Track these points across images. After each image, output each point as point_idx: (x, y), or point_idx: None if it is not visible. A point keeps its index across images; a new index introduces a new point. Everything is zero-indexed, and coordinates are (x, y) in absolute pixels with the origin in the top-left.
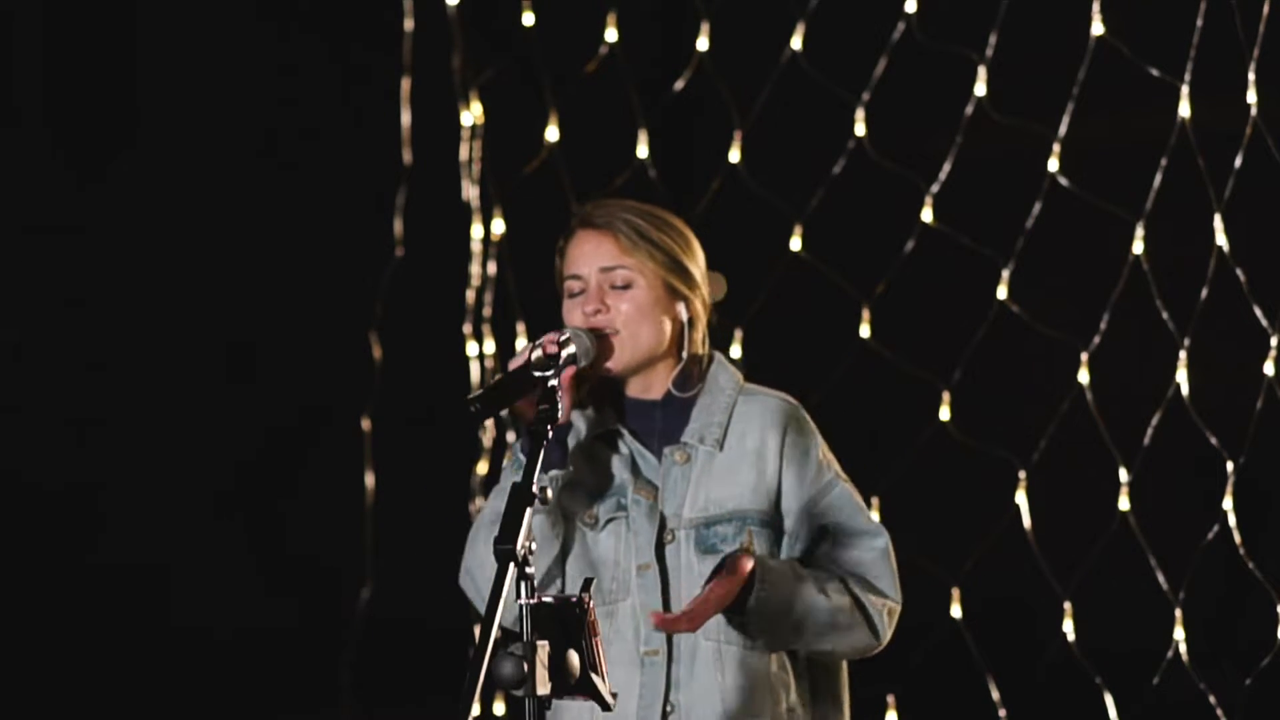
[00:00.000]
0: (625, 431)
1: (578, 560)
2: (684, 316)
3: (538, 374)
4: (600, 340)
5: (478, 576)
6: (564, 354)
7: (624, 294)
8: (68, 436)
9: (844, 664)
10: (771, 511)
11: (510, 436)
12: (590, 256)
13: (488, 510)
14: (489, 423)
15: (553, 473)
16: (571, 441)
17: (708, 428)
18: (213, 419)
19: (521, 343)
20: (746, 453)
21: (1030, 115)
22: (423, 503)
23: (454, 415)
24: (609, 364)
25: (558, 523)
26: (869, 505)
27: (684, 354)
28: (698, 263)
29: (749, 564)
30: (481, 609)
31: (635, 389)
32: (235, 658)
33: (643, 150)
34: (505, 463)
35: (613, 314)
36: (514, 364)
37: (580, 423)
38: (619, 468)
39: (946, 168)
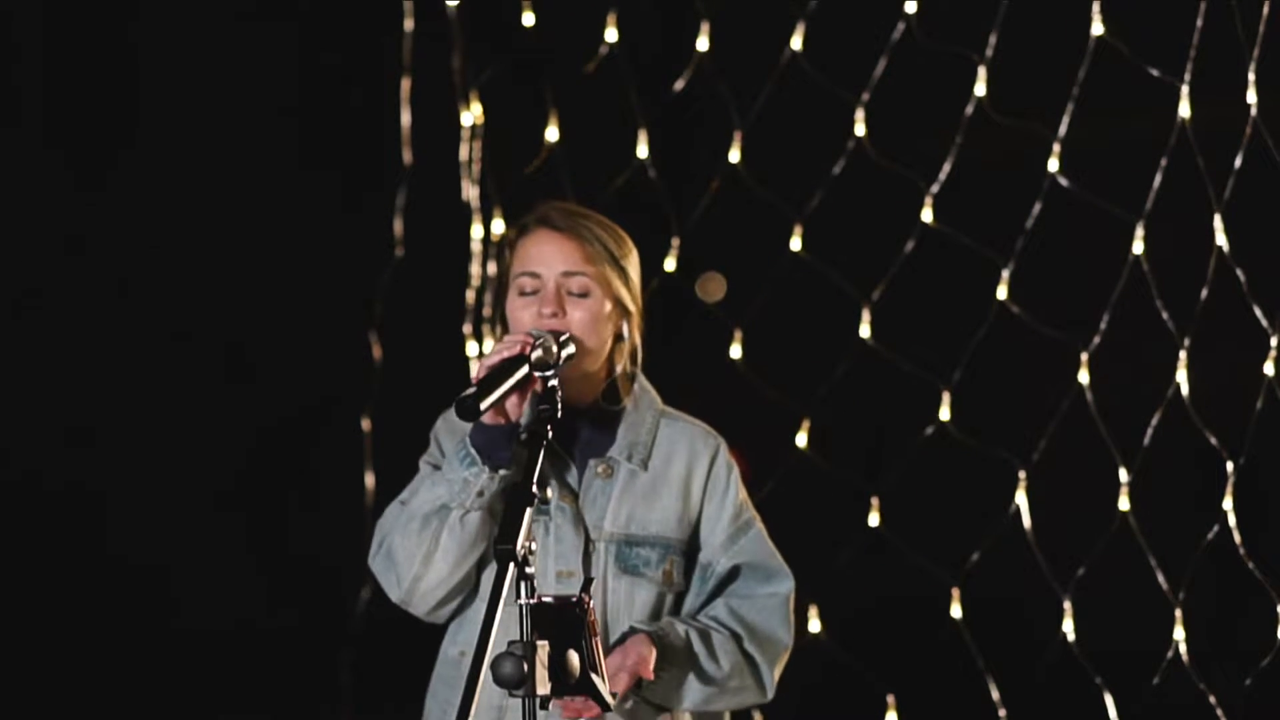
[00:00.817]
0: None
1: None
2: (624, 332)
3: (538, 374)
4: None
5: (401, 562)
6: (564, 354)
7: (580, 301)
8: (69, 438)
9: (726, 715)
10: (690, 540)
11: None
12: (552, 258)
13: (425, 499)
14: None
15: (502, 471)
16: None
17: (635, 446)
18: (212, 419)
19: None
20: (671, 478)
21: (1030, 115)
22: None
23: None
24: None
25: (489, 523)
26: (869, 505)
27: (616, 369)
28: (637, 276)
29: (650, 650)
30: (394, 594)
31: (564, 396)
32: (236, 658)
33: (642, 150)
34: (451, 452)
35: (568, 320)
36: (490, 360)
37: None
38: (548, 469)
39: (946, 168)
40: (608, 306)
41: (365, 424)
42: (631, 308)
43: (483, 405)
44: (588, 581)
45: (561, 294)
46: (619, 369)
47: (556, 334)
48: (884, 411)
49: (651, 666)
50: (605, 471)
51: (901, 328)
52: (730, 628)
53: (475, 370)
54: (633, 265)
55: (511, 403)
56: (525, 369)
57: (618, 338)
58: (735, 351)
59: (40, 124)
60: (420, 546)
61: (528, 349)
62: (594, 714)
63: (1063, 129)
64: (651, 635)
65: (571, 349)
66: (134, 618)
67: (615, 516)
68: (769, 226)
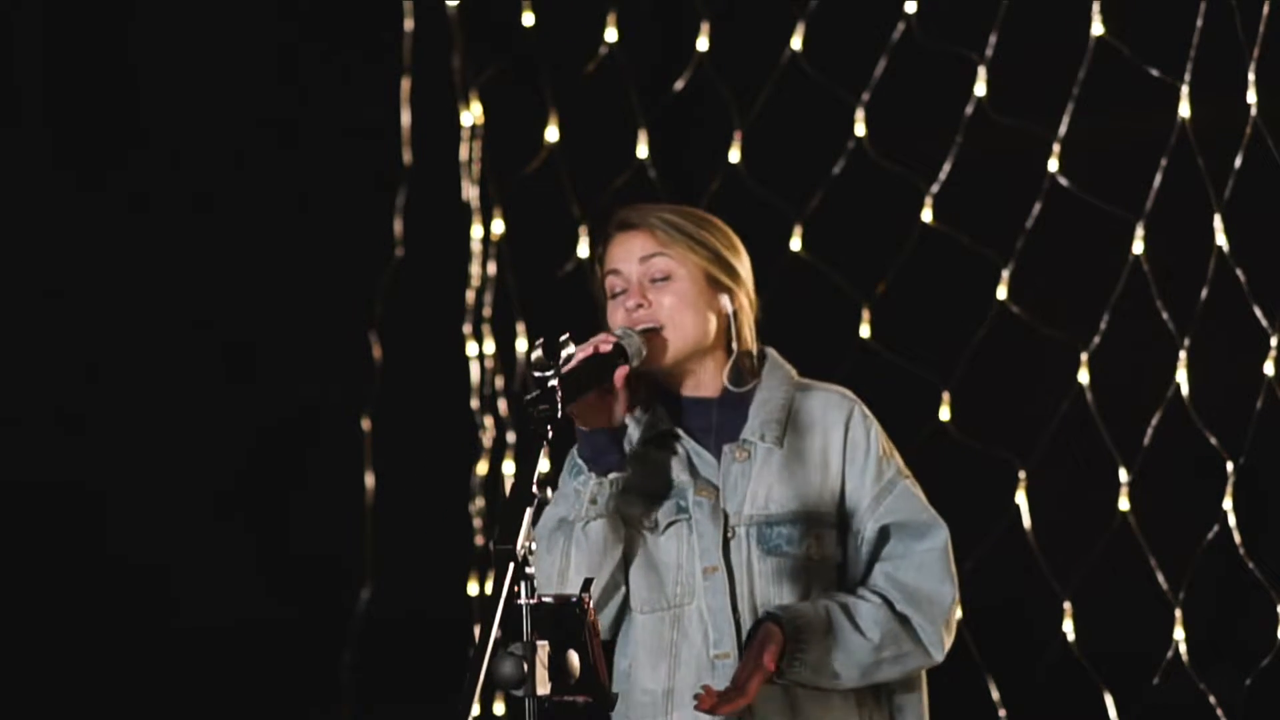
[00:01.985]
0: (680, 432)
1: (640, 566)
2: (728, 309)
3: (536, 374)
4: (648, 338)
5: (542, 586)
6: (563, 354)
7: (665, 286)
8: (70, 437)
9: (923, 675)
10: (834, 512)
11: (510, 437)
12: (628, 252)
13: (547, 518)
14: (489, 422)
15: (612, 475)
16: (626, 445)
17: (767, 425)
18: (212, 419)
19: (522, 343)
20: (808, 451)
21: (1030, 115)
22: (423, 502)
23: (454, 415)
24: (658, 360)
25: (619, 528)
26: None
27: (733, 348)
28: (740, 257)
29: (777, 633)
30: None
31: (688, 387)
32: (236, 657)
33: (642, 150)
34: (565, 469)
35: (655, 308)
36: (568, 367)
37: (633, 426)
38: (676, 469)
39: (946, 168)
40: (698, 287)
41: (365, 424)
42: (730, 283)
43: (539, 412)
44: (588, 581)
45: (644, 284)
46: (735, 348)
47: (643, 329)
48: (884, 411)
49: (775, 655)
50: (742, 455)
51: (901, 328)
52: (883, 594)
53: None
54: (726, 245)
55: (609, 406)
56: (549, 370)
57: (726, 316)
58: None
59: (40, 122)
60: (553, 565)
61: (604, 348)
62: (734, 708)
63: (1063, 129)
64: (781, 621)
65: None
66: (134, 617)
67: (754, 498)
68: (769, 226)
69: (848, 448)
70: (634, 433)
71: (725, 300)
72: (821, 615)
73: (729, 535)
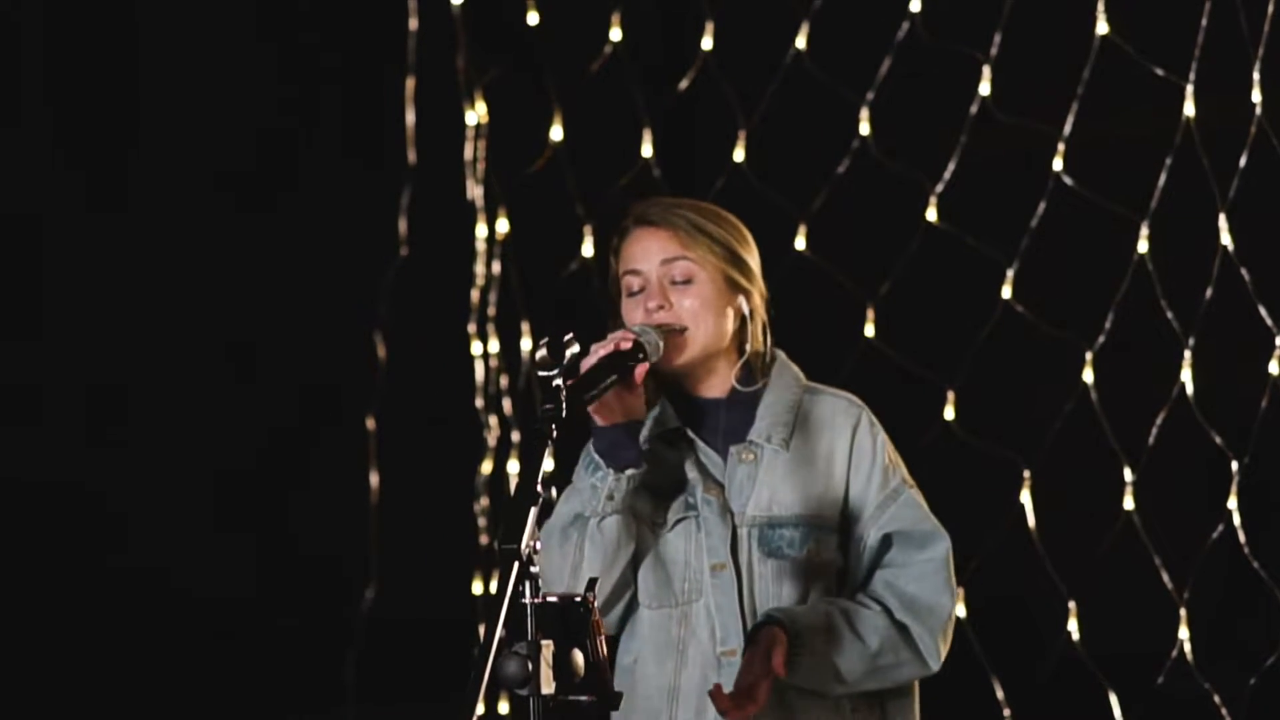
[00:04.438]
0: (689, 431)
1: (648, 562)
2: (745, 310)
3: (542, 374)
4: (666, 336)
5: (553, 581)
6: (568, 354)
7: (686, 289)
8: (69, 437)
9: (915, 682)
10: (837, 517)
11: (515, 436)
12: (650, 252)
13: (560, 514)
14: (493, 421)
15: (629, 471)
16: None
17: (774, 427)
18: (217, 419)
19: (526, 342)
20: (814, 455)
21: (1034, 114)
22: (427, 502)
23: (459, 414)
24: (674, 361)
25: (631, 524)
26: None
27: (746, 348)
28: (754, 255)
29: (781, 636)
30: None
31: (698, 387)
32: (241, 657)
33: (647, 149)
34: (581, 464)
35: (676, 310)
36: (587, 363)
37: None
38: (686, 467)
39: (951, 167)
40: (716, 288)
41: (370, 423)
42: (747, 284)
43: (557, 409)
44: (592, 581)
45: (665, 285)
46: (749, 349)
47: (662, 327)
48: (888, 411)
49: (781, 661)
50: (749, 456)
51: (906, 327)
52: (882, 601)
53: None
54: (743, 245)
55: (625, 402)
56: (554, 370)
57: (741, 317)
58: None
59: (44, 123)
60: (566, 560)
61: (625, 346)
62: (746, 714)
63: (1067, 128)
64: (782, 624)
65: (575, 348)
66: (136, 617)
67: (758, 500)
68: (773, 225)
69: (854, 454)
70: (644, 430)
71: (742, 301)
72: (821, 619)
73: (736, 537)
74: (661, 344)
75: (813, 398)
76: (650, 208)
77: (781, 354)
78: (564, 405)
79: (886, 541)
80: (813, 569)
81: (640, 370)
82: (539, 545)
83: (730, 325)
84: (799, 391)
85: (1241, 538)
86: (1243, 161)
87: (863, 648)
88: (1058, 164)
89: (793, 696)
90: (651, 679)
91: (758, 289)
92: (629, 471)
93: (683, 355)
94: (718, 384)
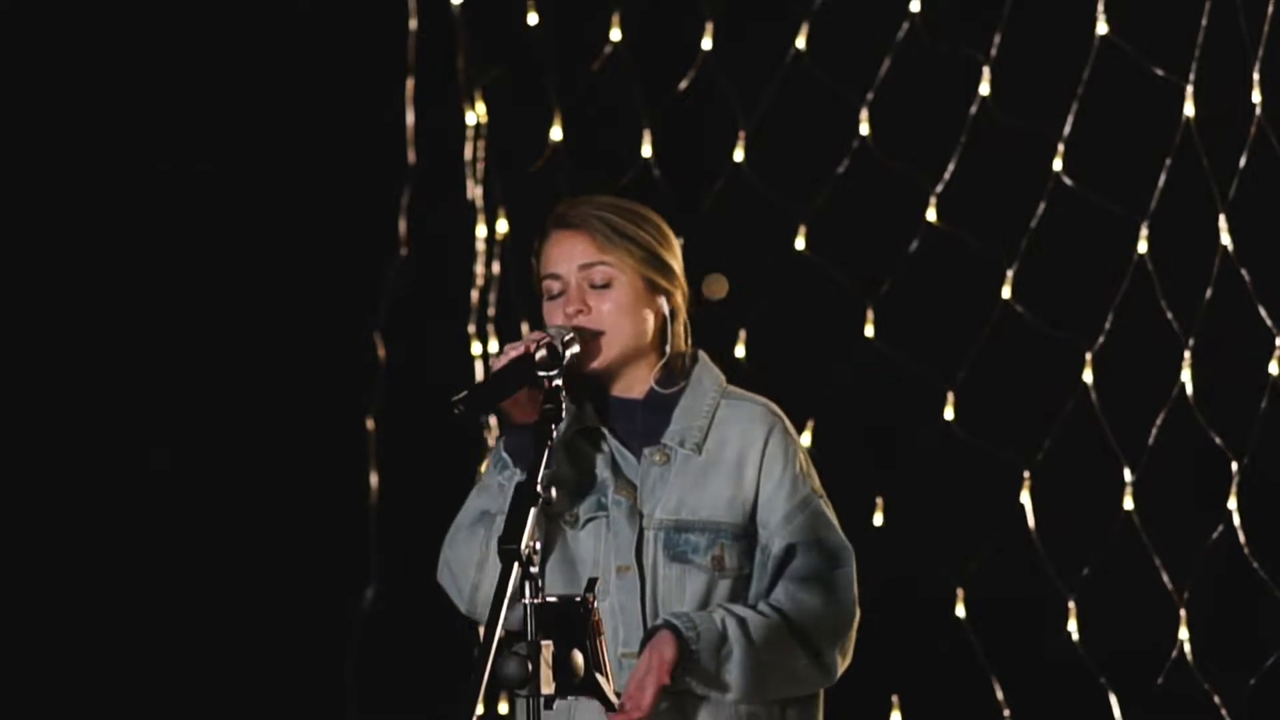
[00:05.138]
0: (606, 430)
1: (556, 559)
2: (665, 311)
3: (542, 373)
4: (583, 338)
5: (458, 574)
6: (568, 354)
7: (605, 293)
8: (68, 437)
9: (820, 694)
10: (745, 524)
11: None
12: (568, 255)
13: (469, 509)
14: (494, 422)
15: (543, 472)
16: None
17: (688, 430)
18: (216, 418)
19: None
20: (726, 461)
21: (1034, 115)
22: (427, 502)
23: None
24: (593, 363)
25: (540, 523)
26: (873, 505)
27: (666, 349)
28: (675, 255)
29: (672, 642)
30: (461, 605)
31: (617, 387)
32: (239, 658)
33: (646, 150)
34: (486, 463)
35: (595, 314)
36: (499, 364)
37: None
38: (600, 466)
39: (951, 167)
40: (637, 291)
41: (369, 424)
42: (667, 285)
43: (458, 404)
44: (592, 581)
45: (584, 289)
46: (668, 350)
47: (580, 330)
48: (888, 411)
49: (669, 667)
50: (661, 459)
51: (905, 327)
52: (782, 611)
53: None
54: (663, 244)
55: (536, 403)
56: (554, 370)
57: (661, 319)
58: (739, 351)
59: (42, 122)
60: (472, 555)
61: (533, 348)
62: (633, 717)
63: (1066, 128)
64: (677, 629)
65: (576, 348)
66: (134, 618)
67: (666, 503)
68: (773, 226)
69: (765, 462)
70: (559, 428)
71: (662, 302)
72: (718, 626)
73: (643, 540)
74: (577, 345)
75: (730, 402)
76: (569, 210)
77: (704, 355)
78: (563, 405)
79: (791, 551)
80: (716, 574)
81: (553, 373)
82: (536, 545)
83: (650, 327)
84: (717, 395)
85: (1241, 538)
86: (1242, 162)
87: (755, 654)
88: (1057, 164)
89: (689, 702)
90: None
91: (679, 289)
92: (543, 472)
93: (600, 359)
94: (637, 385)
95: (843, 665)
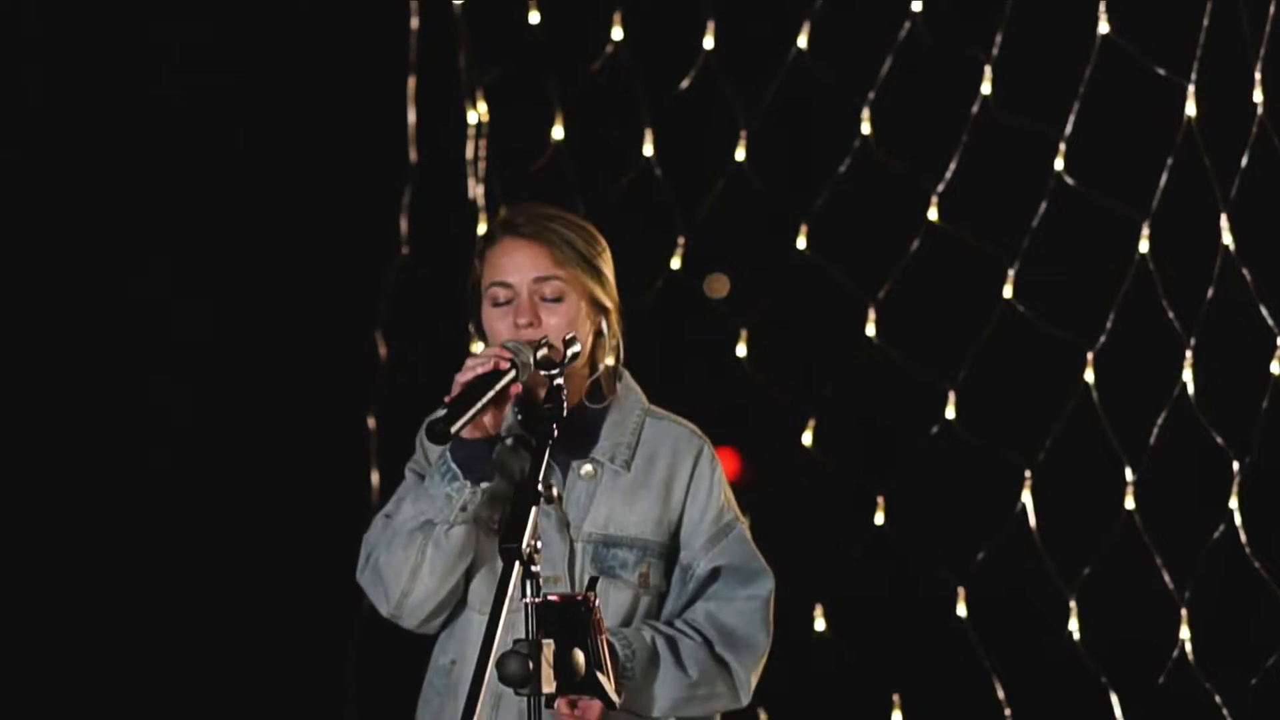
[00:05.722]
0: (534, 441)
1: (485, 568)
2: (604, 329)
3: (543, 373)
4: (536, 355)
5: (388, 578)
6: (569, 353)
7: (555, 307)
8: (66, 437)
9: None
10: (669, 543)
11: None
12: (521, 265)
13: (407, 515)
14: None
15: (484, 485)
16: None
17: (618, 447)
18: (216, 418)
19: None
20: (653, 480)
21: (1036, 114)
22: None
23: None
24: (534, 376)
25: (473, 533)
26: (874, 505)
27: (599, 366)
28: (611, 271)
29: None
30: (384, 609)
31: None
32: (239, 658)
33: (648, 148)
34: (411, 465)
35: (543, 327)
36: (465, 378)
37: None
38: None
39: (952, 167)
40: (583, 307)
41: (370, 422)
42: (608, 304)
43: (453, 429)
44: (593, 580)
45: (535, 302)
46: (601, 367)
47: (534, 344)
48: (889, 411)
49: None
50: (589, 473)
51: (907, 327)
52: (703, 633)
53: (453, 389)
54: (605, 261)
55: (489, 417)
56: (502, 382)
57: (598, 335)
58: (740, 350)
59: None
60: (407, 562)
61: (503, 364)
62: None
63: (1068, 128)
64: (613, 647)
65: (577, 347)
66: (134, 618)
67: (594, 517)
68: (774, 225)
69: (693, 484)
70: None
71: (601, 321)
72: (647, 644)
73: (572, 551)
74: (533, 362)
75: (656, 422)
76: (523, 218)
77: (627, 374)
78: (563, 404)
79: (714, 574)
80: (641, 591)
81: (514, 389)
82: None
83: (589, 343)
84: (642, 414)
85: (1242, 537)
86: (1244, 161)
87: (683, 676)
88: (1059, 164)
89: (610, 718)
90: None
91: (615, 306)
92: (484, 485)
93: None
94: (569, 397)
95: (753, 687)
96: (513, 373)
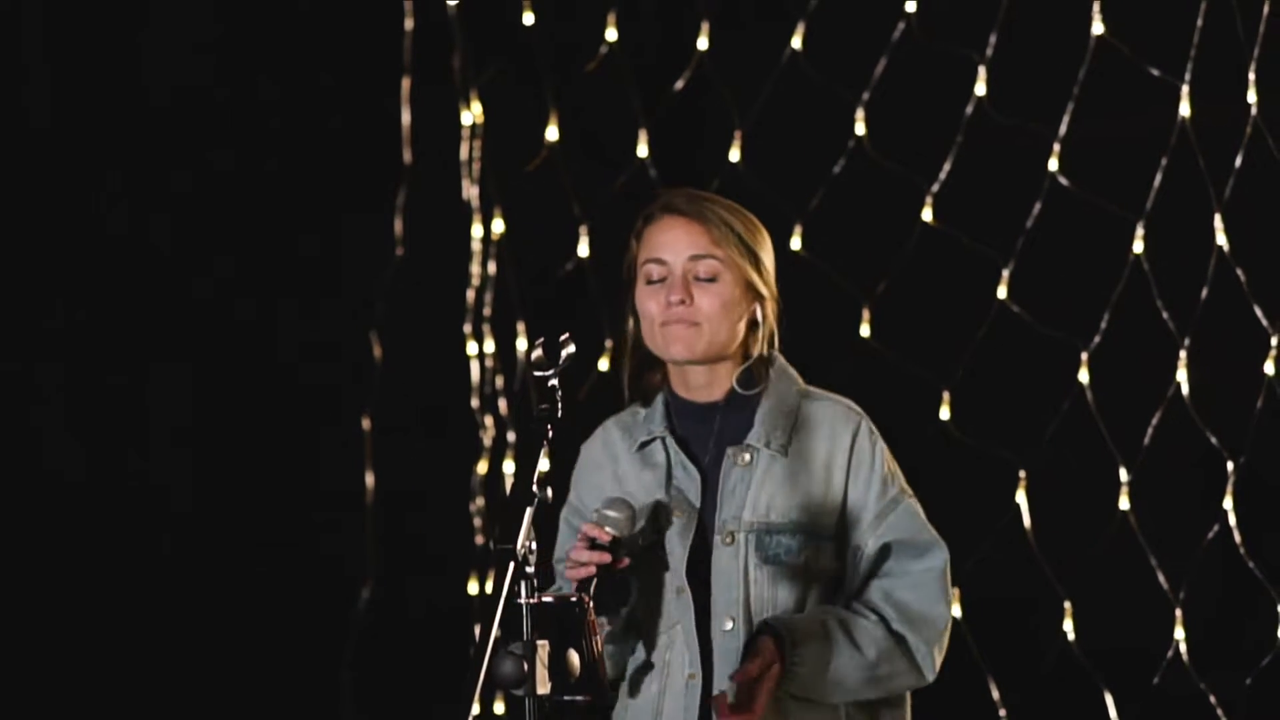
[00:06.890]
0: (670, 441)
1: (642, 589)
2: (758, 316)
3: (537, 373)
4: (680, 333)
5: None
6: (564, 353)
7: (709, 286)
8: (66, 437)
9: (908, 693)
10: (834, 525)
11: (511, 436)
12: (679, 243)
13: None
14: (489, 421)
15: (622, 610)
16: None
17: (773, 431)
18: (212, 418)
19: (522, 342)
20: (811, 462)
21: (1030, 115)
22: (423, 502)
23: (454, 414)
24: (683, 355)
25: (615, 646)
26: None
27: (751, 354)
28: (772, 261)
29: (773, 649)
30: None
31: (694, 388)
32: (235, 658)
33: (643, 150)
34: (565, 511)
35: (695, 306)
36: (577, 574)
37: (633, 424)
38: (654, 487)
39: (946, 167)
40: (737, 291)
41: (365, 423)
42: (764, 291)
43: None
44: (588, 580)
45: (689, 280)
46: (754, 354)
47: (614, 501)
48: (884, 411)
49: (776, 677)
50: (745, 460)
51: (901, 327)
52: (879, 611)
53: (568, 571)
54: (765, 249)
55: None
56: (619, 566)
57: (752, 323)
58: None
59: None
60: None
61: (605, 538)
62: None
63: (1063, 128)
64: (779, 634)
65: (571, 348)
66: (133, 618)
67: (755, 505)
68: (769, 225)
69: (853, 462)
70: (633, 432)
71: (756, 307)
72: (819, 628)
73: (726, 541)
74: (573, 345)
75: (811, 403)
76: (682, 199)
77: (780, 358)
78: (559, 405)
79: (884, 551)
80: (809, 576)
81: (623, 563)
82: (533, 546)
83: (741, 329)
84: (797, 396)
85: (1237, 537)
86: (1238, 162)
87: (860, 657)
88: (1053, 164)
89: (790, 704)
90: (637, 701)
91: (772, 295)
92: (623, 610)
93: (691, 349)
94: (717, 387)
95: (939, 663)
96: (621, 551)
